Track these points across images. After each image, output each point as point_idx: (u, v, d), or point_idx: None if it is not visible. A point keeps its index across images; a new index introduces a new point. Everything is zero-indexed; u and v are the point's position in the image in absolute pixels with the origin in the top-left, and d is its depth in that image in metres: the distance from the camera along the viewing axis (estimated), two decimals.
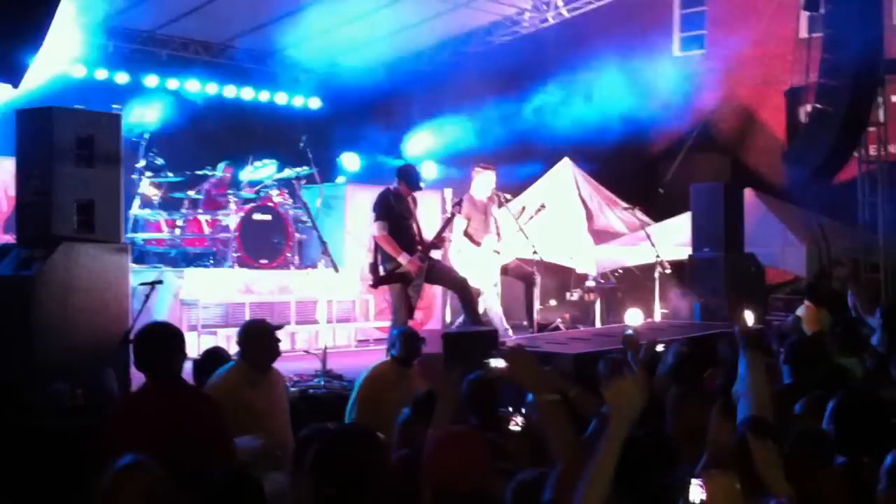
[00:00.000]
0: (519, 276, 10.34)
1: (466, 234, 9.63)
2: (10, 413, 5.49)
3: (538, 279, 10.10)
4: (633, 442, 3.10)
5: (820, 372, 5.31)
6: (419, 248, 8.34)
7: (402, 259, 8.17)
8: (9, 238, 8.47)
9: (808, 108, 13.64)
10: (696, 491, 3.39)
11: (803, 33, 15.46)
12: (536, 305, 10.32)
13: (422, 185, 8.73)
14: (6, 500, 4.89)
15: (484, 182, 9.72)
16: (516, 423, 4.55)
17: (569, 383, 4.46)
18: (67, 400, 5.62)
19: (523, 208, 10.27)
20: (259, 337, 5.44)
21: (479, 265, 9.59)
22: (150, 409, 4.31)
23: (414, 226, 8.45)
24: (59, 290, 6.01)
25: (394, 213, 8.30)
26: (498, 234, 9.82)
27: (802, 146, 13.22)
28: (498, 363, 3.22)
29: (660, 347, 6.37)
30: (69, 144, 6.17)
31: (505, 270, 10.14)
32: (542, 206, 10.19)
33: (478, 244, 9.64)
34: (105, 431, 4.38)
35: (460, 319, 9.54)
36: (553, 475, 3.30)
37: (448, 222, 9.03)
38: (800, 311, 9.07)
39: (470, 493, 3.39)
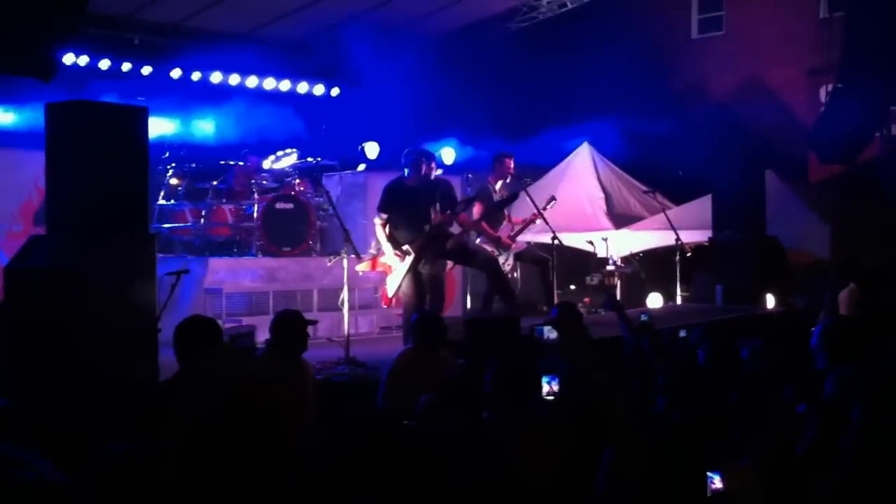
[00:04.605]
0: (533, 260, 10.37)
1: (483, 220, 9.70)
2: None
3: (552, 263, 10.12)
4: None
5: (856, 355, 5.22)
6: (411, 240, 8.36)
7: (386, 250, 8.34)
8: (39, 230, 8.58)
9: (830, 87, 13.58)
10: (715, 482, 3.46)
11: (823, 13, 15.38)
12: (555, 290, 10.35)
13: (426, 168, 8.58)
14: None
15: (503, 169, 9.82)
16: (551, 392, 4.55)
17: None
18: None
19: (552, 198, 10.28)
20: (292, 327, 5.56)
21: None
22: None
23: (419, 214, 8.43)
24: (89, 282, 6.09)
25: (394, 203, 8.38)
26: (511, 221, 9.91)
27: (824, 127, 13.18)
28: (551, 332, 3.21)
29: (682, 333, 6.43)
30: (97, 137, 6.25)
31: (519, 256, 10.19)
32: (553, 199, 10.19)
33: (494, 231, 9.71)
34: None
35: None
36: (605, 461, 3.36)
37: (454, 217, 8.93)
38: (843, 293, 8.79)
39: None
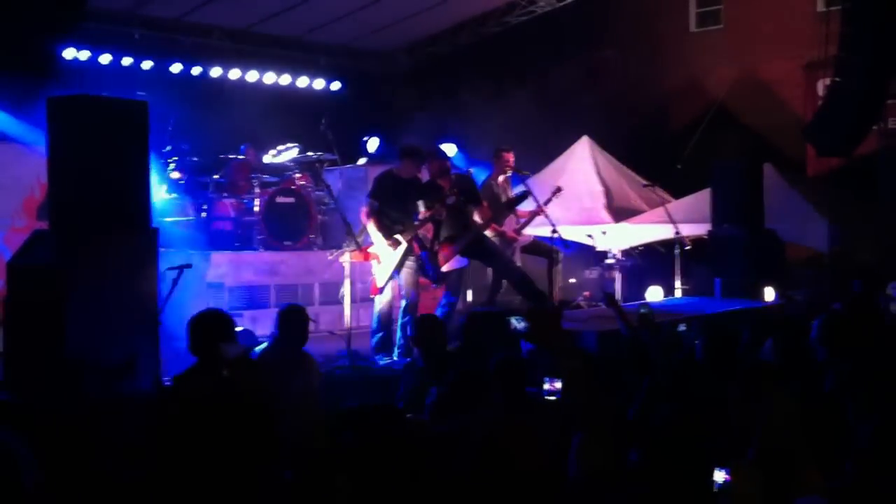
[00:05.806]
0: (541, 252, 10.41)
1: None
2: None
3: (560, 256, 10.19)
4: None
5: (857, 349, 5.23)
6: (398, 231, 8.37)
7: (375, 239, 8.34)
8: (42, 225, 8.61)
9: (827, 81, 13.58)
10: (720, 475, 3.51)
11: (821, 7, 15.39)
12: (558, 283, 10.40)
13: (423, 165, 8.65)
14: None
15: (503, 163, 9.85)
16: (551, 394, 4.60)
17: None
18: None
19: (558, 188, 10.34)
20: (296, 321, 5.64)
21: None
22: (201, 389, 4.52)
23: (409, 206, 8.43)
24: (91, 276, 6.11)
25: (385, 193, 8.38)
26: (516, 214, 9.94)
27: (822, 121, 13.17)
28: (520, 323, 3.23)
29: (681, 326, 6.46)
30: (98, 132, 6.27)
31: (525, 249, 10.23)
32: (559, 189, 10.26)
33: (500, 226, 9.74)
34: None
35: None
36: (574, 445, 3.40)
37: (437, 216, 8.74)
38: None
39: None
